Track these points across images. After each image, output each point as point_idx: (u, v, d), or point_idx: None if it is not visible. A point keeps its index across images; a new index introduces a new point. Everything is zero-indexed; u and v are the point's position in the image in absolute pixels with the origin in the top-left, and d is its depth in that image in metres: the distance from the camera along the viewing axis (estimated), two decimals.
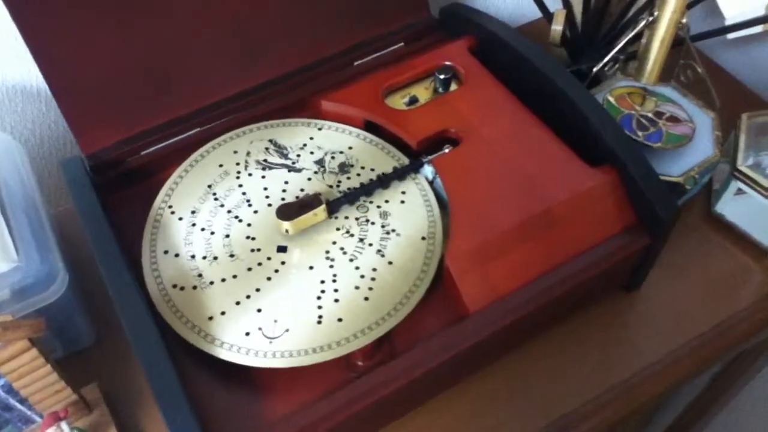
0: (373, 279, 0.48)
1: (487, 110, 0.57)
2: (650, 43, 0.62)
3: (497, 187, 0.52)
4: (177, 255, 0.48)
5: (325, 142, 0.56)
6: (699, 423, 0.99)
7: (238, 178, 0.53)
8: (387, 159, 0.55)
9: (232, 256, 0.49)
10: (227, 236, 0.50)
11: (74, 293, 0.52)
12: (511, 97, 0.58)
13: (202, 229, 0.50)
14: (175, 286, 0.47)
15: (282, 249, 0.49)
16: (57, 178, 0.70)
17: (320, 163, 0.54)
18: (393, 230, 0.51)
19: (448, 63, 0.61)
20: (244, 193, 0.52)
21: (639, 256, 0.53)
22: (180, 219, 0.51)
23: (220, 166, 0.54)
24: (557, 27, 0.68)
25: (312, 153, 0.55)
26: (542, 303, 0.48)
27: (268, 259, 0.49)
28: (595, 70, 0.67)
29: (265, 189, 0.53)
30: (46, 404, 0.48)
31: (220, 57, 0.57)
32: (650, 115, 0.61)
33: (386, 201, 0.52)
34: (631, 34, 0.65)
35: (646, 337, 0.56)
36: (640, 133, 0.59)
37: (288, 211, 0.49)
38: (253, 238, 0.50)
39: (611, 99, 0.62)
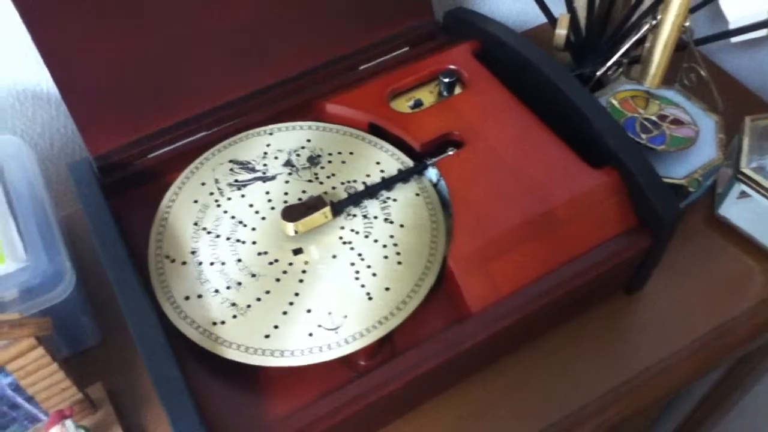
0: (395, 245, 0.50)
1: (490, 113, 0.57)
2: (653, 46, 0.63)
3: (500, 188, 0.52)
4: (200, 296, 0.48)
5: (282, 143, 0.56)
6: (704, 426, 0.99)
7: (219, 206, 0.52)
8: (348, 140, 0.56)
9: (254, 275, 0.48)
10: (239, 260, 0.49)
11: (81, 293, 0.53)
12: (515, 101, 0.58)
13: (211, 264, 0.49)
14: (215, 323, 0.46)
15: (298, 251, 0.50)
16: (65, 182, 0.71)
17: (289, 163, 0.55)
18: (389, 197, 0.52)
19: (452, 67, 0.61)
20: (233, 217, 0.52)
21: (641, 257, 0.53)
22: (184, 263, 0.49)
23: (195, 201, 0.53)
24: (561, 31, 0.69)
25: (276, 158, 0.55)
26: (544, 304, 0.49)
27: (290, 264, 0.49)
28: (598, 73, 0.67)
29: (251, 206, 0.52)
30: (52, 403, 0.48)
31: (227, 60, 0.58)
32: (654, 117, 0.61)
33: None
34: (635, 38, 0.65)
35: (649, 339, 0.56)
36: (643, 136, 0.59)
37: (294, 213, 0.50)
38: (266, 252, 0.50)
39: (615, 102, 0.62)
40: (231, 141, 0.57)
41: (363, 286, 0.48)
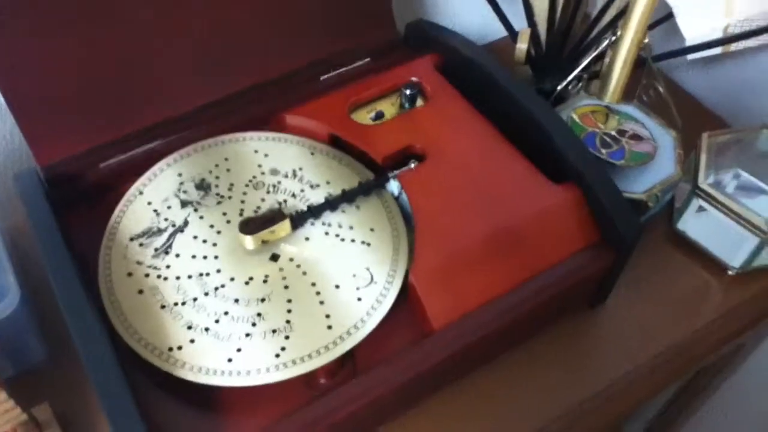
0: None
1: (452, 127, 0.57)
2: (613, 62, 0.63)
3: (462, 203, 0.51)
4: (239, 349, 0.44)
5: (159, 193, 0.52)
6: None
7: (166, 279, 0.47)
8: (211, 151, 0.55)
9: (263, 300, 0.46)
10: (237, 300, 0.46)
11: (27, 310, 0.51)
12: (477, 115, 0.58)
13: (217, 321, 0.45)
14: (277, 354, 0.44)
15: (275, 257, 0.49)
16: (12, 193, 0.68)
17: (186, 204, 0.52)
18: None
19: (414, 79, 0.60)
20: (189, 276, 0.48)
21: (603, 272, 0.53)
22: (192, 341, 0.45)
23: (140, 292, 0.47)
24: (522, 46, 0.69)
25: (169, 207, 0.51)
26: (507, 319, 0.48)
27: (281, 269, 0.48)
28: (559, 88, 0.67)
29: (194, 257, 0.49)
30: None
31: (184, 70, 0.57)
32: (613, 133, 0.62)
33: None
34: (595, 54, 0.65)
35: (610, 353, 0.56)
36: (603, 151, 0.60)
37: (252, 226, 0.49)
38: (251, 278, 0.47)
39: (575, 117, 0.62)
40: (114, 223, 0.51)
41: (353, 240, 0.50)
